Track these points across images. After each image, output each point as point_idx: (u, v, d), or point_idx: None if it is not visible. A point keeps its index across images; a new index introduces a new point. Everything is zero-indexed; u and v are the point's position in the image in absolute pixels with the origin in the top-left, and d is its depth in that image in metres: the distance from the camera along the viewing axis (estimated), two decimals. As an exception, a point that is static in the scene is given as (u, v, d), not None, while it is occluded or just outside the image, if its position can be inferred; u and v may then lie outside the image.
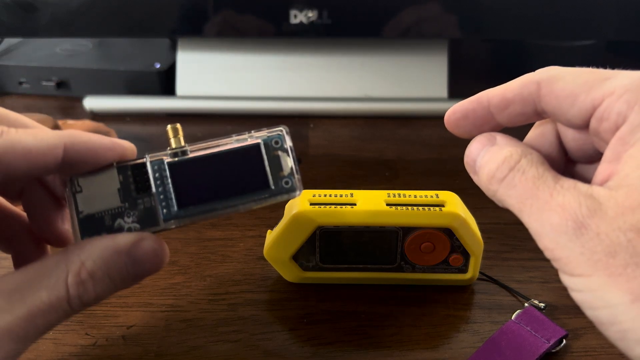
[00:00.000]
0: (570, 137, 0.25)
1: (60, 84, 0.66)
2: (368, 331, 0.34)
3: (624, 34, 0.59)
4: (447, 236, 0.34)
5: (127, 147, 0.26)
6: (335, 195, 0.36)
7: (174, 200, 0.25)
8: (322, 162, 0.53)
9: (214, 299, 0.36)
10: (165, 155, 0.26)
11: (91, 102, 0.62)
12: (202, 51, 0.63)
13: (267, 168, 0.26)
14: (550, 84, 0.23)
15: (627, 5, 0.56)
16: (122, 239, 0.24)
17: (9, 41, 0.73)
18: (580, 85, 0.22)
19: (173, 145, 0.26)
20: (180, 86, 0.63)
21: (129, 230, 0.25)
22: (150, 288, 0.37)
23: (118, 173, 0.26)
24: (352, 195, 0.36)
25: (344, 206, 0.35)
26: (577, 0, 0.56)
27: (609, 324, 0.20)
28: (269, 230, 0.38)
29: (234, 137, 0.26)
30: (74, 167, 0.24)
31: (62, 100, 0.67)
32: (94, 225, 0.25)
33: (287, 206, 0.36)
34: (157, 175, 0.26)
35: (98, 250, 0.23)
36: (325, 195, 0.36)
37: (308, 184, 0.49)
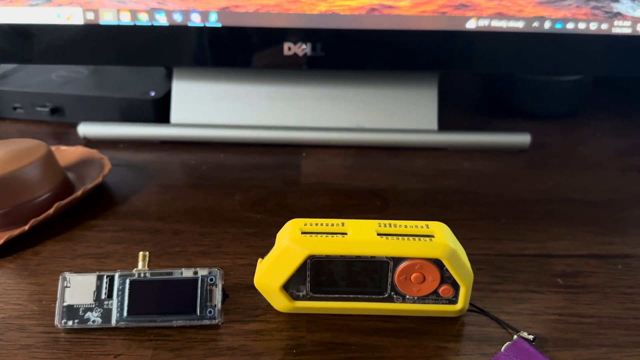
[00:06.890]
0: None
1: (54, 110, 0.67)
2: (358, 362, 0.33)
3: (610, 70, 0.61)
4: (437, 267, 0.35)
5: None
6: (327, 225, 0.36)
7: (125, 309, 0.35)
8: (314, 191, 0.53)
9: (202, 328, 0.36)
10: (132, 274, 0.35)
11: (85, 129, 0.62)
12: (197, 80, 0.64)
13: (198, 298, 0.35)
14: None
15: (613, 43, 0.57)
16: None
17: (4, 67, 0.74)
18: None
19: (139, 267, 0.36)
20: (175, 114, 0.64)
21: (93, 322, 0.35)
22: (139, 316, 0.37)
23: (97, 279, 0.35)
24: (343, 224, 0.36)
25: (335, 235, 0.35)
26: (564, 36, 0.57)
27: None
28: (259, 259, 0.37)
29: (183, 270, 0.36)
30: None
31: (55, 126, 0.67)
32: (71, 313, 0.35)
33: (278, 235, 0.37)
34: (120, 287, 0.35)
35: None
36: (316, 224, 0.36)
37: (300, 213, 0.50)
